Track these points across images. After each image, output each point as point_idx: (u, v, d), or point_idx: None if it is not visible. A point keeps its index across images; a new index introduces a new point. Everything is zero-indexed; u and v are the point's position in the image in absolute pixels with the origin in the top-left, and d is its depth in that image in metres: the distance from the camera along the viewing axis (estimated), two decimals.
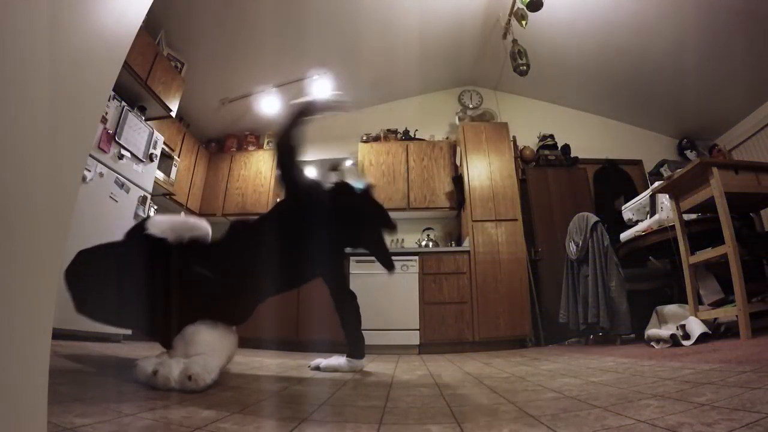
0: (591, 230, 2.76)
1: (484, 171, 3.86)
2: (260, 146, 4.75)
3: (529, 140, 4.51)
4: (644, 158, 4.45)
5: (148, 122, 3.05)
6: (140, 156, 2.87)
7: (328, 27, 3.66)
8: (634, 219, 3.01)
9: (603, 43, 3.66)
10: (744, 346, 1.50)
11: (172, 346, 1.19)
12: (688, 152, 4.29)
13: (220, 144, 4.79)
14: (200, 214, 4.36)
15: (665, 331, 2.00)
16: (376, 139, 4.50)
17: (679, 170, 2.26)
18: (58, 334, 1.99)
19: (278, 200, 1.34)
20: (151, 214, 3.45)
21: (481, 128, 4.09)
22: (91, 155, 2.45)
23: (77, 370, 1.21)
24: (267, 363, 1.89)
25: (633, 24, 3.37)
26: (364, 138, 4.47)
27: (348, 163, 1.68)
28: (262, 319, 3.42)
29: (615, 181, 4.22)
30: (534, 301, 3.53)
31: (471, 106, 4.76)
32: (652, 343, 2.03)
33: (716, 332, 2.04)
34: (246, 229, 1.53)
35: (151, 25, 3.21)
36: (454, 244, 4.08)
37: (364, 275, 3.23)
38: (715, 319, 2.08)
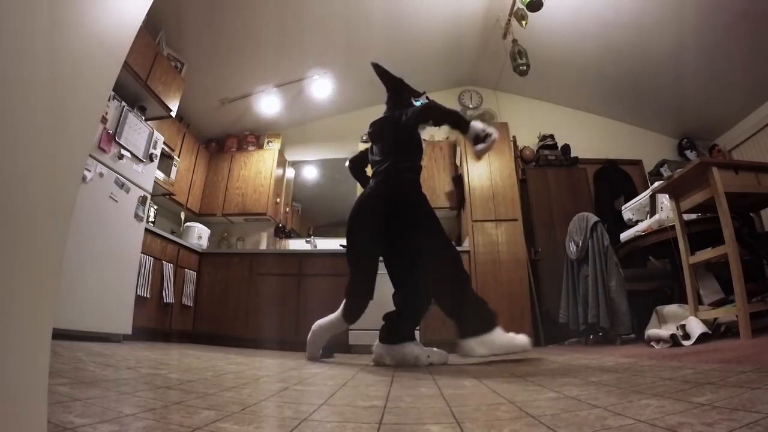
0: (591, 230, 2.76)
1: (484, 171, 3.86)
2: (260, 146, 4.76)
3: (529, 140, 4.51)
4: (644, 158, 4.45)
5: (148, 122, 3.05)
6: (140, 156, 2.87)
7: (328, 27, 3.66)
8: (634, 219, 3.01)
9: (603, 43, 3.66)
10: (744, 346, 1.50)
11: None
12: (688, 152, 4.29)
13: (220, 144, 4.79)
14: (200, 214, 4.36)
15: (665, 331, 2.00)
16: None
17: (679, 170, 2.26)
18: (58, 334, 1.99)
19: None
20: (151, 214, 3.46)
21: None
22: (91, 155, 2.45)
23: (77, 370, 1.21)
24: (267, 363, 1.89)
25: (633, 24, 3.37)
26: (364, 138, 4.46)
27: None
28: (262, 319, 3.45)
29: (615, 181, 4.22)
30: (534, 301, 3.53)
31: (471, 106, 4.76)
32: (652, 343, 2.03)
33: (716, 332, 2.04)
34: None
35: (151, 25, 3.21)
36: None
37: None
38: (715, 319, 2.08)
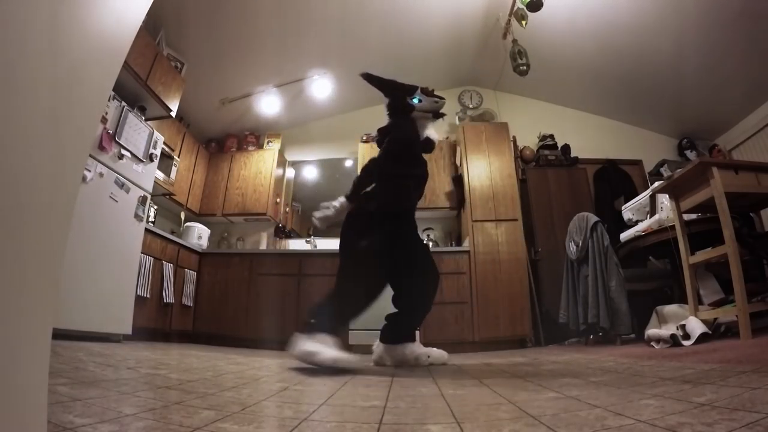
0: (591, 230, 2.76)
1: (484, 171, 3.87)
2: (260, 146, 4.75)
3: (529, 140, 4.51)
4: (644, 158, 4.45)
5: (148, 122, 3.05)
6: (140, 156, 2.87)
7: (328, 27, 3.66)
8: (634, 219, 3.01)
9: (603, 43, 3.66)
10: (744, 346, 1.50)
11: None
12: (688, 152, 4.29)
13: (220, 144, 4.79)
14: (200, 214, 4.36)
15: (665, 331, 2.00)
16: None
17: (679, 170, 2.26)
18: (58, 334, 1.99)
19: None
20: (151, 214, 3.46)
21: (481, 128, 4.09)
22: (91, 155, 2.45)
23: (77, 370, 1.21)
24: (267, 363, 1.89)
25: (633, 24, 3.37)
26: (364, 138, 4.47)
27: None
28: (262, 319, 3.45)
29: (615, 181, 4.22)
30: (534, 301, 3.53)
31: (471, 106, 4.76)
32: (652, 343, 2.03)
33: (716, 332, 2.04)
34: None
35: (151, 25, 3.21)
36: (454, 244, 4.08)
37: None
38: (715, 319, 2.08)
